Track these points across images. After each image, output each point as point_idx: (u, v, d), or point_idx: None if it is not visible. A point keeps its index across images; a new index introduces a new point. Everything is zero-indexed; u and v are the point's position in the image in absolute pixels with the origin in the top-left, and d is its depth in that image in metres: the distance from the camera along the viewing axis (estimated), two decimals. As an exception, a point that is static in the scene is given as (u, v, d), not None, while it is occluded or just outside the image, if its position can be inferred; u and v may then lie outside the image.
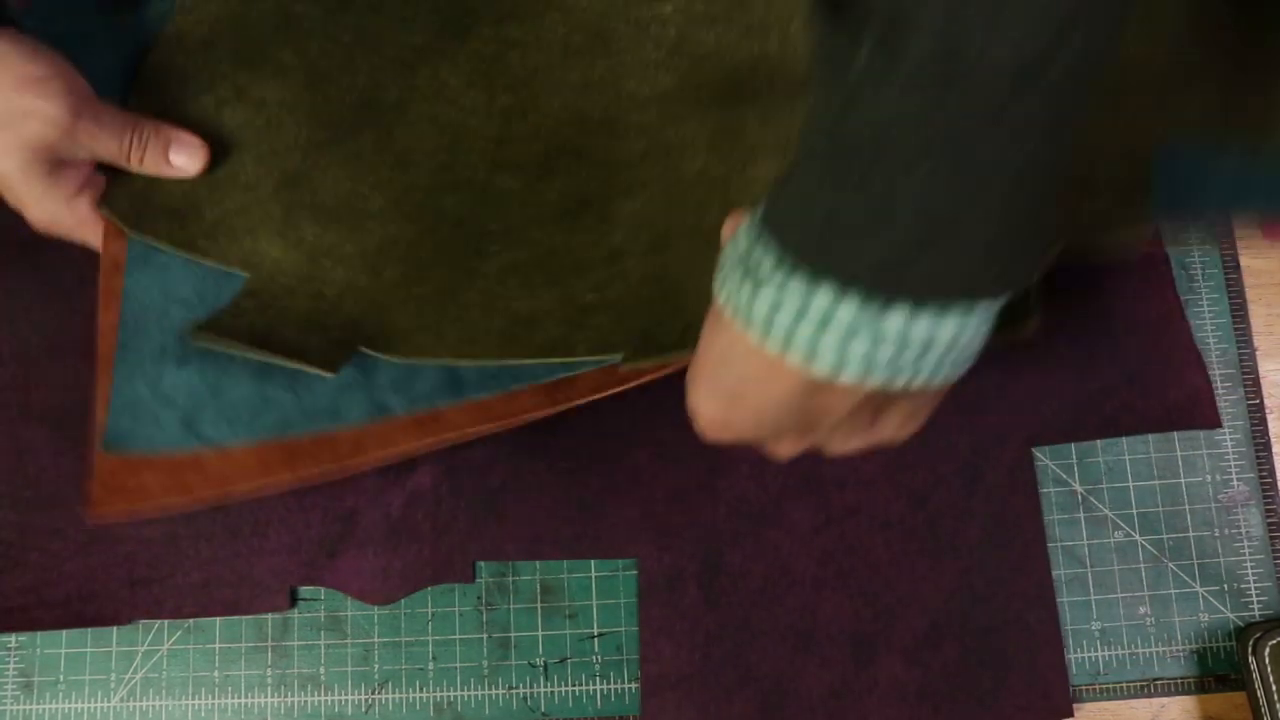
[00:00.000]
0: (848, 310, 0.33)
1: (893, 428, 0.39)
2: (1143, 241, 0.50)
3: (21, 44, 0.50)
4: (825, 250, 0.33)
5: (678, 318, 0.50)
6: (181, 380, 0.53)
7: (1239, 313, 0.56)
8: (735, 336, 0.36)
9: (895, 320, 0.33)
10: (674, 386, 0.44)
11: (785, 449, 0.41)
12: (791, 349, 0.35)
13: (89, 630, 0.56)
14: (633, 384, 0.50)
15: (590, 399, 0.50)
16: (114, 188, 0.54)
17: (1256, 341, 0.56)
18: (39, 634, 0.56)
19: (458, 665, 0.55)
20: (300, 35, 0.57)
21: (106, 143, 0.51)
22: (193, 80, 0.56)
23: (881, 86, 0.31)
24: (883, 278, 0.32)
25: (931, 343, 0.34)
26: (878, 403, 0.37)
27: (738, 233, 0.37)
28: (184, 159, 0.53)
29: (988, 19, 0.29)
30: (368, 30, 0.58)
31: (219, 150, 0.55)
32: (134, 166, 0.53)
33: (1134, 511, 0.55)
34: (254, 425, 0.52)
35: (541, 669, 0.55)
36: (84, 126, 0.50)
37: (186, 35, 0.57)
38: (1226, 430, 0.55)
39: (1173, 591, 0.54)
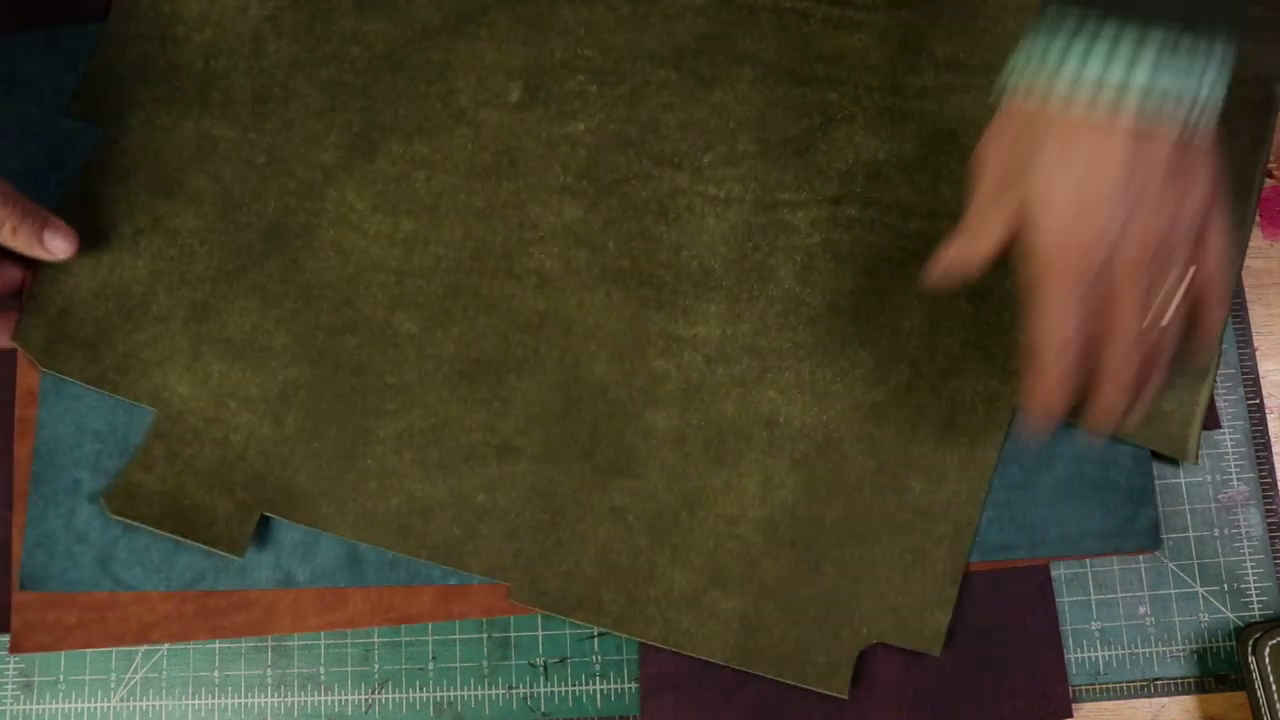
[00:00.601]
0: (1151, 46, 0.40)
1: (1195, 204, 0.44)
2: None
3: None
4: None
5: (560, 555, 0.54)
6: (95, 515, 0.56)
7: (1239, 313, 0.56)
8: (1058, 123, 0.42)
9: (1183, 53, 0.40)
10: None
11: (1132, 263, 0.43)
12: (1115, 100, 0.41)
13: (89, 630, 0.56)
14: (506, 613, 0.55)
15: (483, 616, 0.55)
16: (28, 320, 0.56)
17: (1256, 341, 0.56)
18: (39, 634, 0.57)
19: (458, 665, 0.55)
20: (216, 160, 0.58)
21: None
22: (113, 209, 0.57)
23: None
24: (1180, 10, 0.40)
25: (1205, 70, 0.41)
26: (1178, 165, 0.42)
27: (1027, 40, 0.44)
28: (58, 242, 0.54)
29: None
30: (280, 151, 0.58)
31: (133, 280, 0.57)
32: (5, 240, 0.53)
33: (1134, 511, 0.55)
34: (168, 572, 0.55)
35: (541, 669, 0.55)
36: None
37: (110, 164, 0.58)
38: (1226, 430, 0.55)
39: (1173, 591, 0.54)
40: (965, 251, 0.47)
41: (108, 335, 0.56)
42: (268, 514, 0.54)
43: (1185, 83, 0.41)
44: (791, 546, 0.53)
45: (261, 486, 0.55)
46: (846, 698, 0.52)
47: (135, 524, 0.54)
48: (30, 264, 0.56)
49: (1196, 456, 0.54)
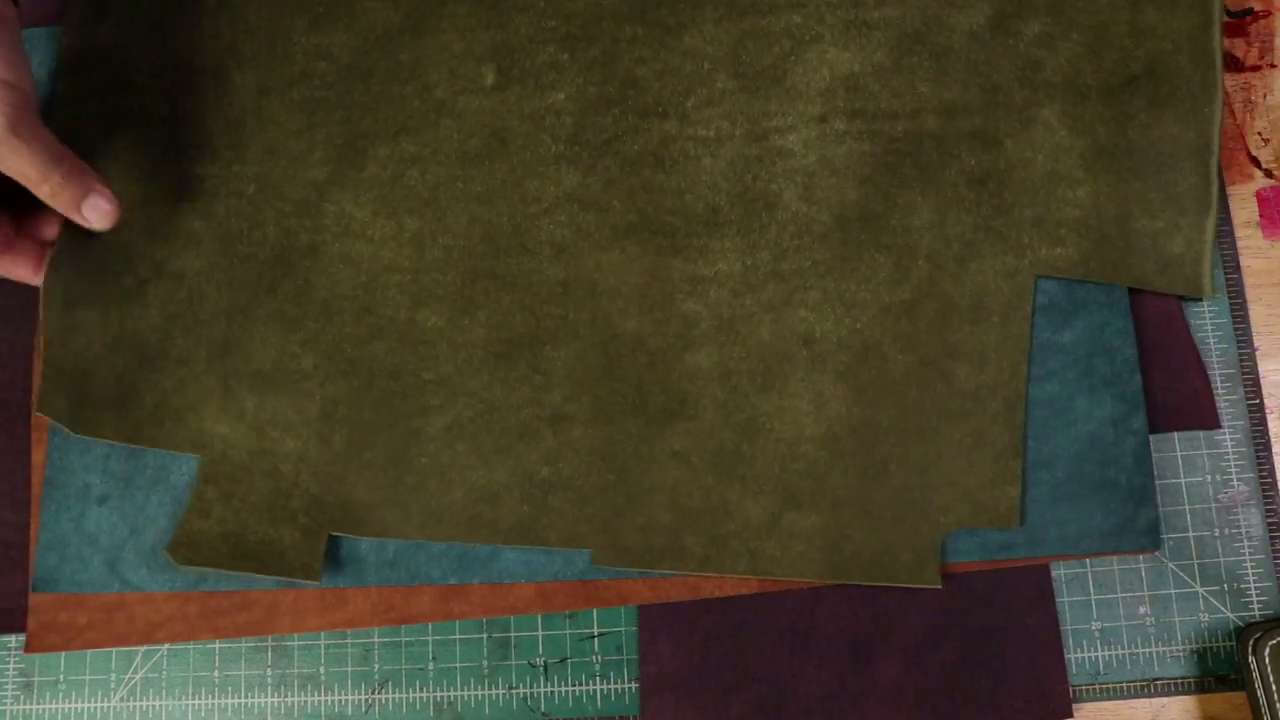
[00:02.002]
0: None
1: None
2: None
3: (4, 32, 0.50)
4: None
5: (634, 510, 0.55)
6: (104, 518, 0.56)
7: (1239, 313, 0.56)
8: None
9: None
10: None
11: None
12: None
13: (89, 630, 0.56)
14: (506, 613, 0.55)
15: (483, 616, 0.55)
16: (48, 388, 0.56)
17: (1256, 341, 0.56)
18: (39, 634, 0.57)
19: (458, 665, 0.55)
20: (205, 198, 0.58)
21: (30, 165, 0.50)
22: (112, 261, 0.57)
23: None
24: None
25: None
26: None
27: None
28: (95, 215, 0.53)
29: None
30: (268, 177, 0.58)
31: (147, 328, 0.57)
32: (44, 196, 0.52)
33: (1134, 511, 0.55)
34: (172, 573, 0.56)
35: (541, 669, 0.55)
36: (17, 141, 0.50)
37: None
38: (1226, 430, 0.55)
39: (1173, 591, 0.54)
40: None
41: (134, 389, 0.56)
42: (334, 534, 0.55)
43: None
44: (854, 455, 0.54)
45: (322, 508, 0.55)
46: (940, 587, 0.53)
47: (207, 569, 0.55)
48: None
49: (1213, 289, 0.55)
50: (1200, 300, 0.56)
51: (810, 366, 0.55)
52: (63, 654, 0.56)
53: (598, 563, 0.54)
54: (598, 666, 0.55)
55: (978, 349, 0.55)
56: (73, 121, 0.59)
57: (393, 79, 0.59)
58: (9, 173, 0.51)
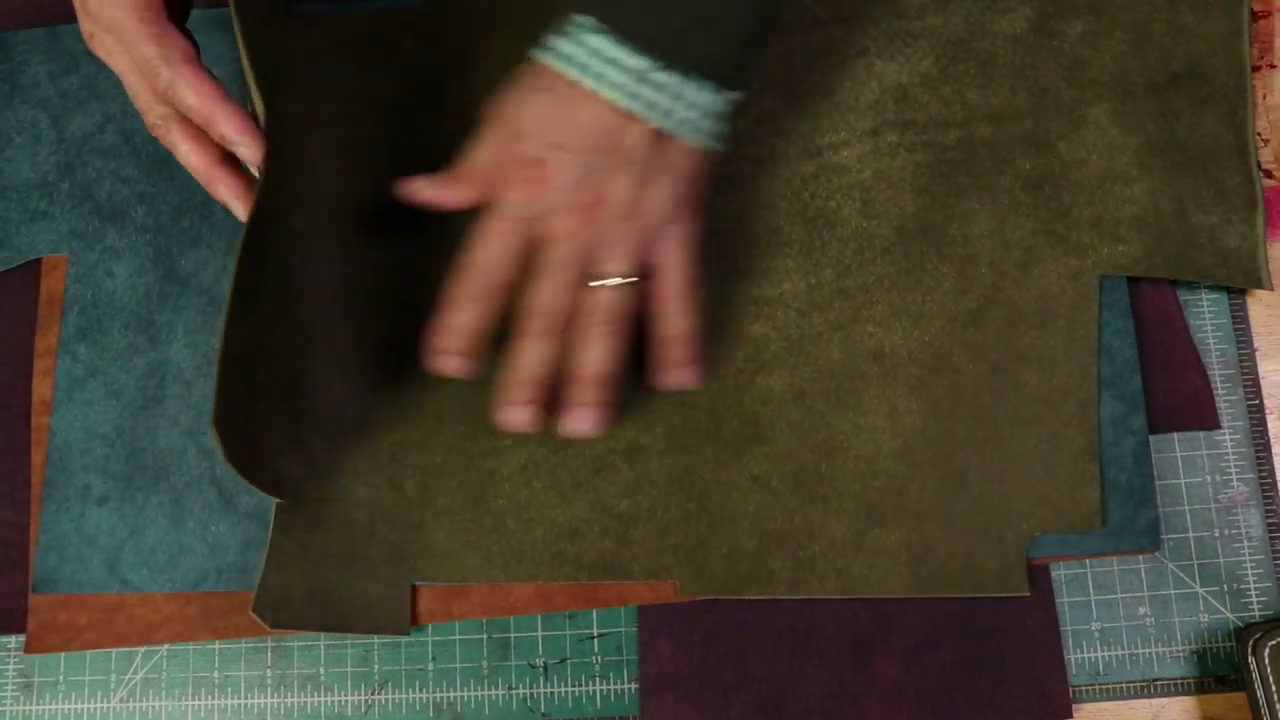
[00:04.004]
0: (640, 62, 0.47)
1: (657, 199, 0.49)
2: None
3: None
4: (634, 24, 0.47)
5: (717, 538, 0.54)
6: (104, 519, 0.56)
7: (1239, 313, 0.56)
8: (562, 89, 0.48)
9: (669, 77, 0.47)
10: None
11: (576, 208, 0.49)
12: (602, 85, 0.47)
13: (89, 631, 0.56)
14: (506, 614, 0.55)
15: (483, 617, 0.55)
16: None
17: (1256, 342, 0.56)
18: (39, 635, 0.57)
19: (457, 665, 0.55)
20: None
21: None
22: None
23: None
24: (668, 49, 0.46)
25: (692, 103, 0.48)
26: (654, 163, 0.49)
27: (553, 30, 0.49)
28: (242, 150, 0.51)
29: None
30: (316, 220, 0.55)
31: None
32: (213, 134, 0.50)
33: (1134, 512, 0.55)
34: (172, 573, 0.55)
35: (541, 669, 0.55)
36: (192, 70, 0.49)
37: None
38: (1226, 431, 0.55)
39: (1172, 592, 0.54)
40: (442, 180, 0.52)
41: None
42: (418, 582, 0.54)
43: (666, 103, 0.47)
44: (933, 467, 0.54)
45: (401, 557, 0.54)
46: (1029, 593, 0.53)
47: (298, 633, 0.55)
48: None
49: (1270, 282, 0.55)
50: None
51: (882, 382, 0.55)
52: (62, 654, 0.56)
53: (684, 594, 0.53)
54: (598, 667, 0.55)
55: (1047, 353, 0.55)
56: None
57: (435, 118, 0.58)
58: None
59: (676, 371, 0.53)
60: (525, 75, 0.50)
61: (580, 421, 0.52)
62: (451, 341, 0.51)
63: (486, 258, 0.50)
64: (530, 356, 0.51)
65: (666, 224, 0.50)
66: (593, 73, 0.47)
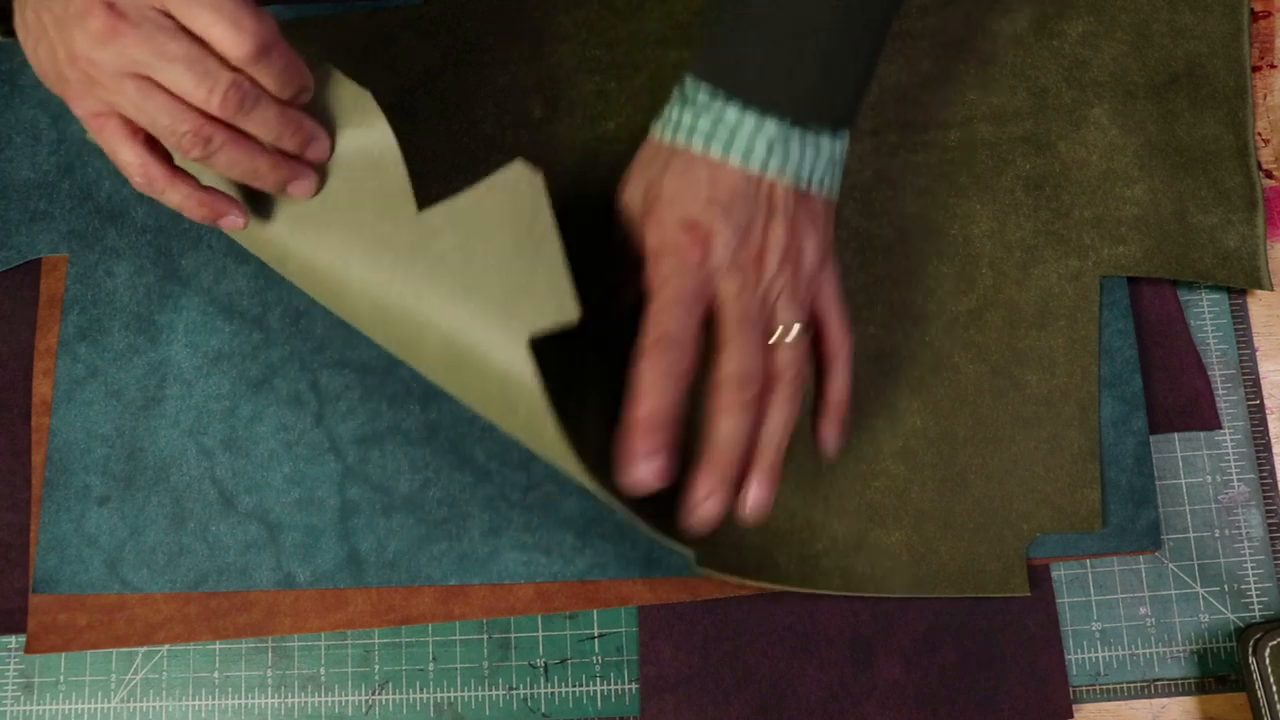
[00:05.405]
0: (772, 126, 0.46)
1: (810, 248, 0.48)
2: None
3: None
4: (760, 88, 0.46)
5: (725, 530, 0.53)
6: (104, 519, 0.56)
7: (1239, 313, 0.56)
8: (693, 161, 0.47)
9: (801, 136, 0.47)
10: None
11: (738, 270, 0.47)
12: (734, 153, 0.47)
13: (89, 631, 0.56)
14: (506, 614, 0.54)
15: (484, 617, 0.54)
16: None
17: (1257, 342, 0.56)
18: (40, 635, 0.57)
19: (458, 666, 0.55)
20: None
21: (274, 79, 0.45)
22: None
23: None
24: (797, 108, 0.46)
25: (819, 153, 0.48)
26: (798, 211, 0.48)
27: (677, 95, 0.49)
28: (302, 185, 0.48)
29: None
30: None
31: None
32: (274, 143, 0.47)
33: (1134, 512, 0.55)
34: (172, 573, 0.55)
35: (541, 670, 0.55)
36: (277, 53, 0.44)
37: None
38: (1227, 431, 0.55)
39: (1173, 592, 0.54)
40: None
41: None
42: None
43: (798, 158, 0.47)
44: (933, 468, 0.54)
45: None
46: (1029, 594, 0.53)
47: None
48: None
49: (1270, 283, 0.55)
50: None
51: (882, 382, 0.55)
52: (63, 655, 0.56)
53: (701, 565, 0.52)
54: (598, 667, 0.55)
55: (1047, 354, 0.55)
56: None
57: (438, 115, 0.58)
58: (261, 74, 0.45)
59: (835, 433, 0.50)
60: (649, 151, 0.49)
61: (763, 497, 0.48)
62: (654, 439, 0.45)
63: (674, 329, 0.46)
64: (732, 431, 0.46)
65: (818, 272, 0.49)
66: (722, 142, 0.47)
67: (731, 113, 0.47)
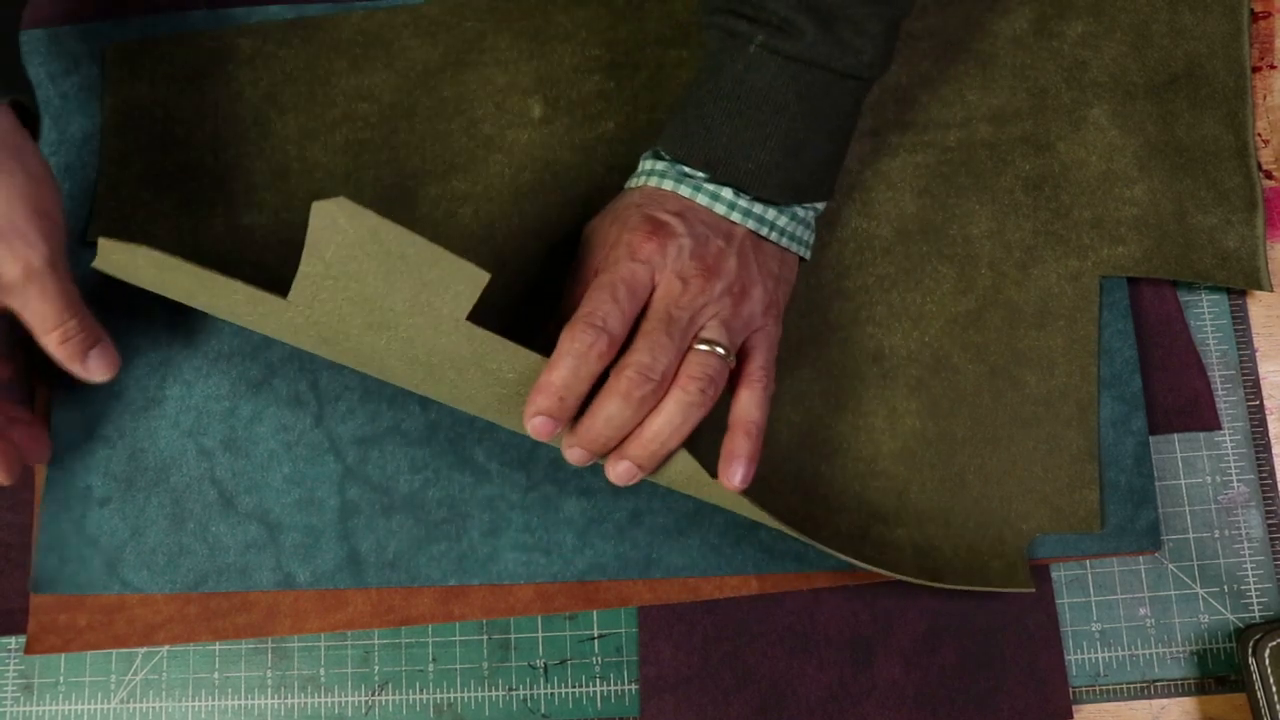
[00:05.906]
0: (729, 193, 0.49)
1: (758, 295, 0.49)
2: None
3: (46, 165, 0.50)
4: (723, 167, 0.49)
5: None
6: (104, 520, 0.56)
7: (1239, 313, 0.56)
8: (664, 191, 0.50)
9: (769, 208, 0.50)
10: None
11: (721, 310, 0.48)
12: (717, 204, 0.49)
13: (89, 632, 0.56)
14: (506, 615, 0.55)
15: (483, 618, 0.54)
16: None
17: (1256, 343, 0.56)
18: (39, 635, 0.57)
19: (458, 666, 0.55)
20: (257, 249, 0.57)
21: (52, 306, 0.49)
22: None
23: (770, 61, 0.48)
24: (756, 184, 0.49)
25: (793, 217, 0.51)
26: (758, 258, 0.50)
27: (650, 154, 0.52)
28: (99, 365, 0.52)
29: (842, 42, 0.48)
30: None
31: None
32: (49, 346, 0.51)
33: (1134, 513, 0.55)
34: (172, 574, 0.55)
35: (541, 670, 0.55)
36: (50, 279, 0.49)
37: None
38: (1226, 432, 0.55)
39: (1173, 593, 0.54)
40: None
41: None
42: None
43: (760, 212, 0.49)
44: (932, 469, 0.54)
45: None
46: (1033, 590, 0.52)
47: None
48: (53, 382, 0.57)
49: (1270, 283, 0.55)
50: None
51: (881, 383, 0.55)
52: (63, 655, 0.56)
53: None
54: (598, 668, 0.55)
55: (1046, 354, 0.55)
56: (121, 181, 0.59)
57: (438, 116, 0.58)
58: (25, 314, 0.49)
59: (739, 465, 0.47)
60: (619, 195, 0.51)
61: (621, 475, 0.48)
62: (545, 403, 0.46)
63: (602, 311, 0.46)
64: (610, 417, 0.46)
65: (759, 318, 0.49)
66: (690, 186, 0.49)
67: (728, 194, 0.49)
